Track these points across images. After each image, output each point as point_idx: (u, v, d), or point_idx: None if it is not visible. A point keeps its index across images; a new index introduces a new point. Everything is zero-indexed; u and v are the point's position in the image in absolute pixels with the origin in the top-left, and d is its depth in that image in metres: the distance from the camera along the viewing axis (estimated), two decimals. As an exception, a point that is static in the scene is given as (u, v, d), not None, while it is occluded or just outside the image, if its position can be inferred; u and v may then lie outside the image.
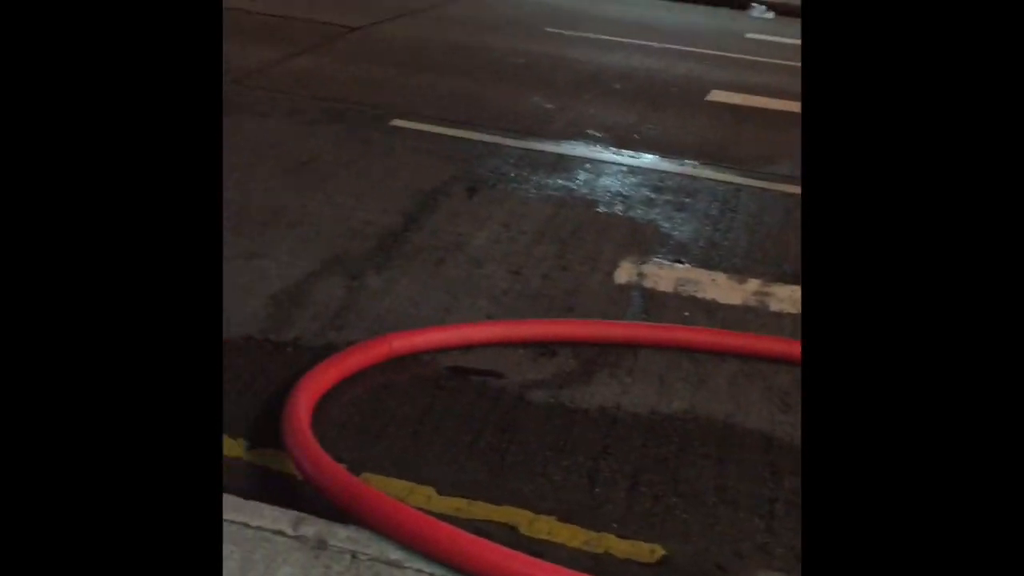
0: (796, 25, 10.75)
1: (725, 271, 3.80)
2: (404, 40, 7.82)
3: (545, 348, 3.06)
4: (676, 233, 4.17)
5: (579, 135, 5.55)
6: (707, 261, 3.90)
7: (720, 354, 3.11)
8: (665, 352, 3.10)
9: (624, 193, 4.64)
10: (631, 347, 3.10)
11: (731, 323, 3.36)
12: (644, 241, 4.05)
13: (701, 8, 11.06)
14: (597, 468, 2.50)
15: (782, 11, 11.19)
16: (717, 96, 6.80)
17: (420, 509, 2.13)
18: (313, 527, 2.03)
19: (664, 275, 3.71)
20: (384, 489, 2.26)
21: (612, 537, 2.25)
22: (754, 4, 11.30)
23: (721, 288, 3.64)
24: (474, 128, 5.43)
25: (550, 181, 4.69)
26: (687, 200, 4.60)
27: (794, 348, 3.06)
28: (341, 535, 2.02)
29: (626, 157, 5.22)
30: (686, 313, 3.42)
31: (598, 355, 3.05)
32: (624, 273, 3.70)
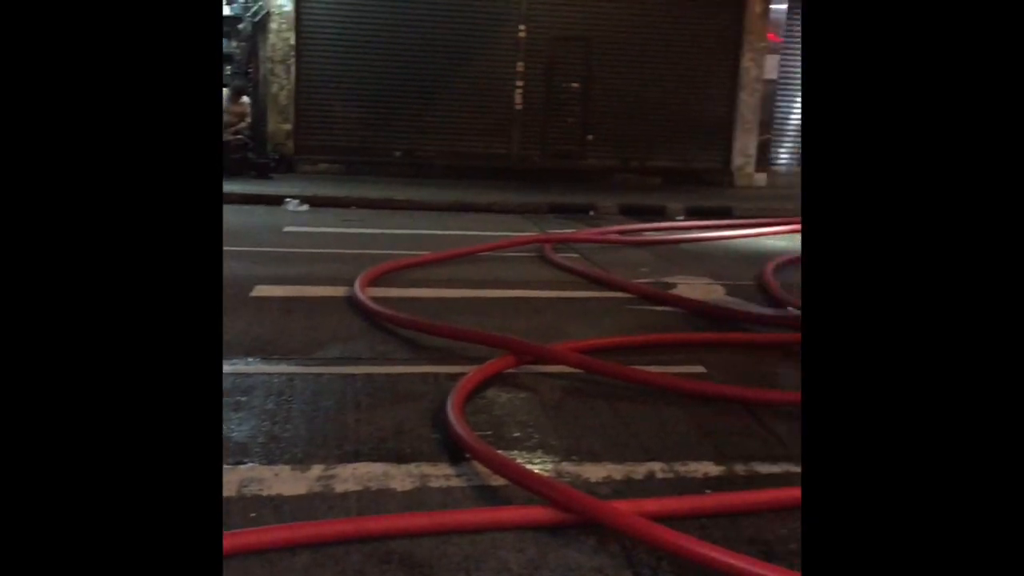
0: (330, 213, 11.36)
1: (287, 463, 3.82)
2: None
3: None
4: (235, 435, 4.12)
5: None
6: (269, 456, 3.89)
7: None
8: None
9: (176, 403, 4.49)
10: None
11: (298, 514, 3.37)
12: (202, 449, 3.93)
13: (236, 207, 11.29)
14: None
15: (315, 203, 11.79)
16: (261, 291, 6.93)
17: None
18: None
19: (227, 479, 3.64)
20: None
21: None
22: (288, 199, 11.80)
23: (285, 481, 3.65)
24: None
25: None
26: (242, 399, 4.58)
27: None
28: None
29: (174, 365, 5.07)
30: (252, 514, 3.37)
31: None
32: (183, 486, 3.55)
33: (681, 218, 11.90)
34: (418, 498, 3.54)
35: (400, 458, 3.87)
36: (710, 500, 3.61)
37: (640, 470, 3.92)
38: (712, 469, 4.01)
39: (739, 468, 4.04)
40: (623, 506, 3.35)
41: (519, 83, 14.40)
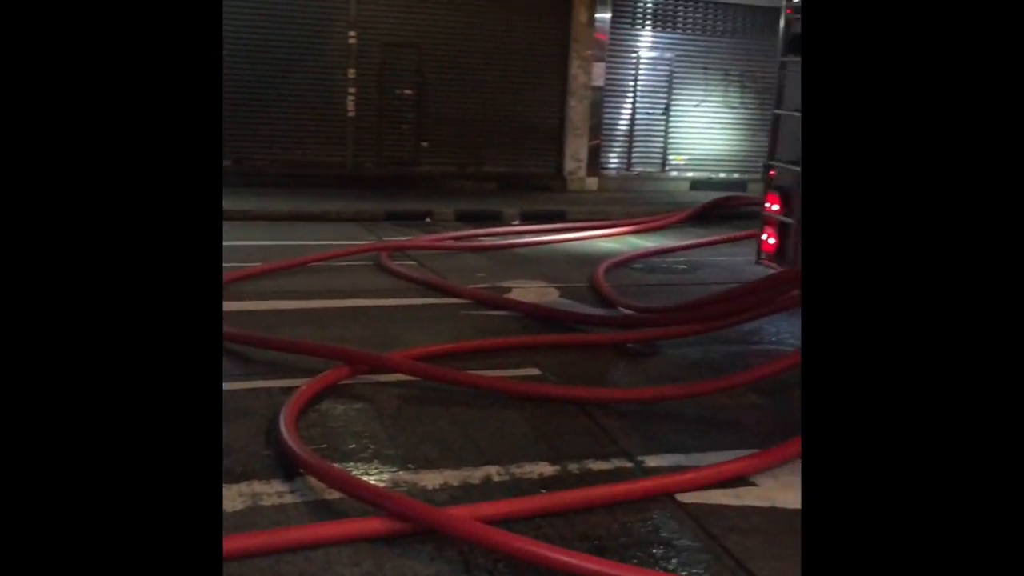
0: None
1: None
2: None
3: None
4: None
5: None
6: None
7: None
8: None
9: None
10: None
11: None
12: None
13: None
14: None
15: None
16: None
17: None
18: None
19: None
20: None
21: None
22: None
23: None
24: None
25: None
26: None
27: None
28: None
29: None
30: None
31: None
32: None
33: (516, 222, 12.07)
34: (250, 518, 3.44)
35: (231, 478, 3.75)
36: (544, 500, 3.68)
37: (477, 475, 3.96)
38: (547, 469, 4.09)
39: (573, 467, 4.13)
40: (459, 512, 3.37)
41: (351, 90, 14.23)
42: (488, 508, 3.49)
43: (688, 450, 4.41)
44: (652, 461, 4.26)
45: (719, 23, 15.05)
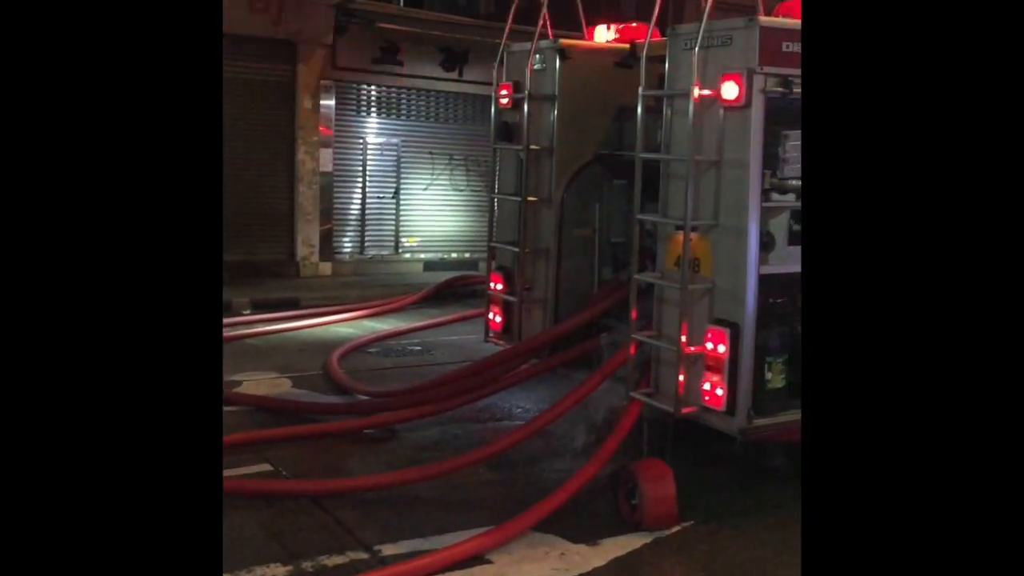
0: None
1: None
2: None
3: None
4: None
5: None
6: None
7: None
8: None
9: None
10: None
11: None
12: None
13: None
14: None
15: None
16: None
17: None
18: None
19: None
20: None
21: None
22: None
23: None
24: None
25: None
26: None
27: None
28: None
29: None
30: None
31: None
32: None
33: (248, 312, 11.71)
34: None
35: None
36: (275, 604, 3.54)
37: (203, 585, 3.74)
38: (280, 571, 3.95)
39: (307, 565, 4.01)
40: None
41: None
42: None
43: (425, 534, 4.42)
44: (389, 549, 4.23)
45: (441, 110, 15.60)
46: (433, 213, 15.92)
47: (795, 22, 4.82)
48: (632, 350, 5.14)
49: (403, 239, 15.76)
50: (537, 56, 6.32)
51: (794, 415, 4.90)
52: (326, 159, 14.88)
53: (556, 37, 6.38)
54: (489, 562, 4.15)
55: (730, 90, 4.62)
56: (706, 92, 4.70)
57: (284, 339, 9.89)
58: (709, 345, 4.75)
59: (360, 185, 15.49)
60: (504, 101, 6.60)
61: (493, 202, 7.23)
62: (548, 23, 6.39)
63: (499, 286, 6.74)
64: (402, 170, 15.54)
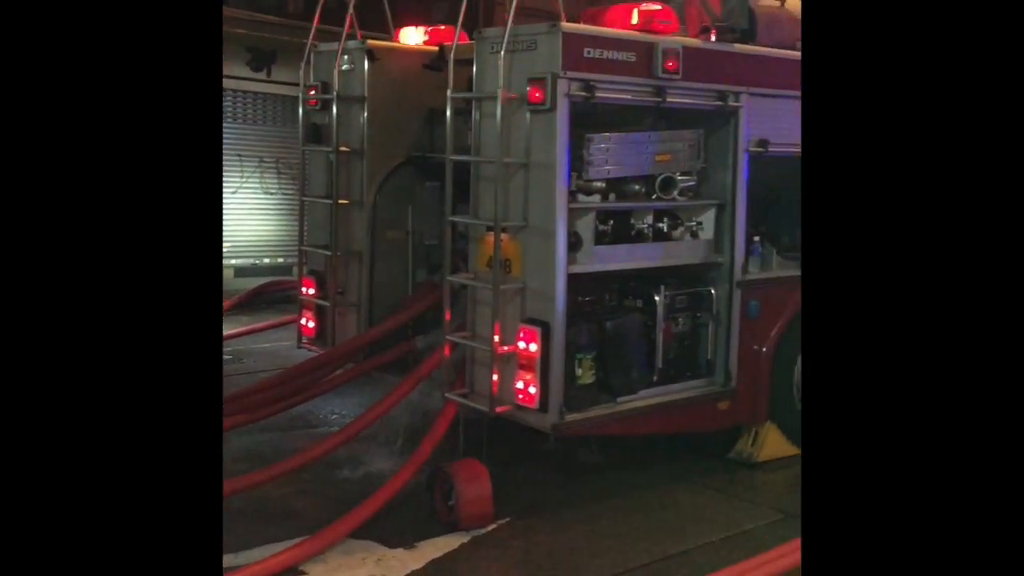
0: None
1: None
2: None
3: None
4: None
5: None
6: None
7: None
8: None
9: None
10: None
11: None
12: None
13: None
14: None
15: None
16: None
17: None
18: None
19: None
20: None
21: None
22: None
23: None
24: None
25: None
26: None
27: None
28: None
29: None
30: None
31: None
32: None
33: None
34: None
35: None
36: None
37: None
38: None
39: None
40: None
41: None
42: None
43: (235, 548, 4.26)
44: (197, 567, 4.04)
45: (249, 111, 15.13)
46: (244, 217, 15.42)
47: (598, 29, 4.99)
48: (447, 351, 5.16)
49: (212, 244, 15.18)
50: (345, 57, 6.23)
51: (605, 410, 5.06)
52: (126, 162, 14.18)
53: (364, 38, 6.31)
54: (303, 573, 4.05)
55: (535, 94, 4.71)
56: (512, 95, 4.78)
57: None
58: (521, 344, 4.82)
59: (164, 189, 14.82)
60: (312, 102, 6.47)
61: (302, 205, 7.07)
62: (355, 24, 6.31)
63: (311, 291, 6.59)
64: (209, 173, 14.98)
